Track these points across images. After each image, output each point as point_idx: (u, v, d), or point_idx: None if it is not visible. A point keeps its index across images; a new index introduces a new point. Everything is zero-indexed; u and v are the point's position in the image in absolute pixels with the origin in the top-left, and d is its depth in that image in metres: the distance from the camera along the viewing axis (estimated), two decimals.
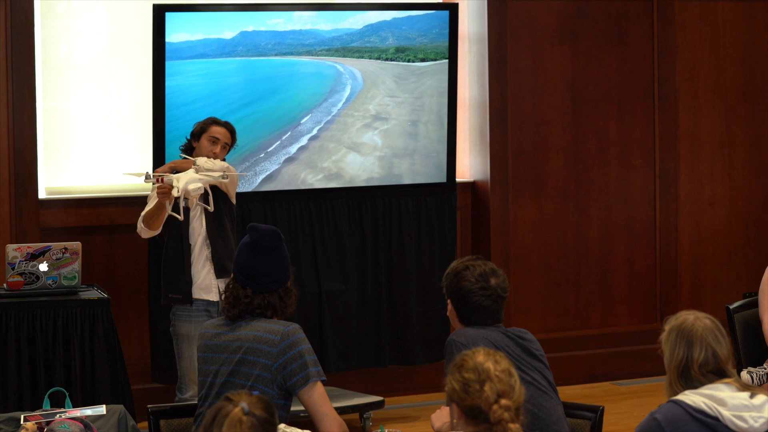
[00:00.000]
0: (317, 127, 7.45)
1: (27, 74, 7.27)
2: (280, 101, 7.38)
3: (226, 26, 7.15)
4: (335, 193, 7.47)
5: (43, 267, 6.60)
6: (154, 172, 6.50)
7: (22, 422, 4.98)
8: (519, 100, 8.35)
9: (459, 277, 4.47)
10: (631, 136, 8.63)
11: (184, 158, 6.53)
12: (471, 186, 8.37)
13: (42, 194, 7.41)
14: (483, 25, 8.24)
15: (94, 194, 7.54)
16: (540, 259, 8.44)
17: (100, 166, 7.61)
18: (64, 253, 6.63)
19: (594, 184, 8.56)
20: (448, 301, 4.52)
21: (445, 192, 7.73)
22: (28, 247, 6.61)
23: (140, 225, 6.45)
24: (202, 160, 6.40)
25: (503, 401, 3.36)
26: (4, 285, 6.63)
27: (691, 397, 3.65)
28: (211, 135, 6.56)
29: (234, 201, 6.62)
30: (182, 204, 6.27)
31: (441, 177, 7.71)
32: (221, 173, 6.33)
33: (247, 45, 7.23)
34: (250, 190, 7.24)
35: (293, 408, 4.52)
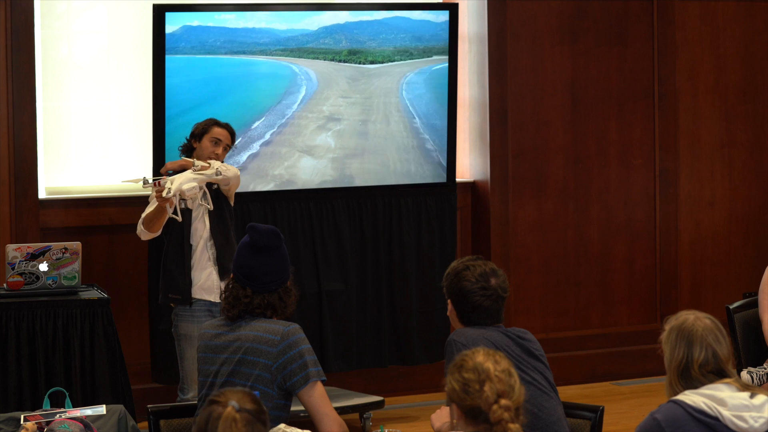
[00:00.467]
0: (270, 132, 7.37)
1: (27, 74, 7.27)
2: (230, 104, 7.28)
3: (168, 20, 7.01)
4: (335, 193, 7.47)
5: (43, 267, 6.60)
6: (162, 169, 6.52)
7: (22, 422, 4.98)
8: (519, 100, 8.35)
9: (459, 277, 4.47)
10: (631, 136, 8.63)
11: (185, 160, 6.53)
12: (471, 186, 8.37)
13: (42, 194, 7.41)
14: (483, 25, 8.24)
15: (94, 194, 7.54)
16: (540, 259, 8.44)
17: (100, 166, 7.61)
18: (64, 253, 6.63)
19: (594, 184, 8.56)
20: (448, 301, 4.52)
21: (445, 192, 7.73)
22: (28, 247, 6.61)
23: (140, 227, 6.45)
24: (201, 162, 6.41)
25: (503, 401, 3.36)
26: (4, 285, 6.63)
27: (691, 397, 3.65)
28: (213, 136, 6.58)
29: (232, 202, 6.62)
30: (180, 205, 6.27)
31: (440, 177, 7.70)
32: (215, 170, 6.34)
33: (191, 41, 7.11)
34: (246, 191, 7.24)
35: (293, 408, 4.53)
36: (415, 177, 7.65)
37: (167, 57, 7.00)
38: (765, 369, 5.95)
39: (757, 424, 3.63)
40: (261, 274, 4.46)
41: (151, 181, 6.29)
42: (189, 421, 4.61)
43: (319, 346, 7.28)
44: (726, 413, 3.62)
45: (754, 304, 6.18)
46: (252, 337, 4.41)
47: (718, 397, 3.64)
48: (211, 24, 7.20)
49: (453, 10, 7.66)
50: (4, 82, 7.23)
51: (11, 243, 7.01)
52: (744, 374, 5.91)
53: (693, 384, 3.69)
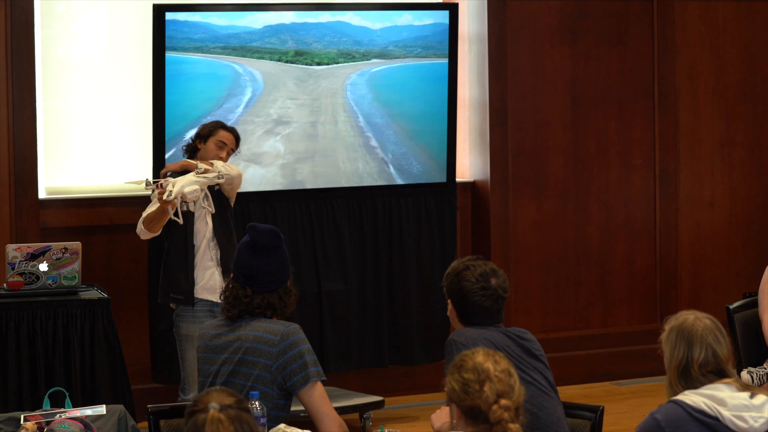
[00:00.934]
0: None
1: (27, 74, 7.27)
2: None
3: None
4: (335, 193, 7.47)
5: (43, 267, 6.60)
6: (162, 171, 6.51)
7: (22, 422, 4.97)
8: (519, 100, 8.35)
9: (459, 277, 4.47)
10: (631, 136, 8.63)
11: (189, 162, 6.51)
12: (471, 186, 8.37)
13: (42, 194, 7.41)
14: (483, 25, 8.24)
15: (94, 194, 7.54)
16: (540, 259, 8.44)
17: (100, 166, 7.61)
18: (64, 253, 6.63)
19: (594, 184, 8.56)
20: (449, 301, 4.52)
21: (445, 192, 7.73)
22: (28, 247, 6.61)
23: (140, 226, 6.44)
24: (205, 164, 6.40)
25: (503, 401, 3.36)
26: (4, 285, 6.63)
27: (691, 397, 3.65)
28: (219, 139, 6.59)
29: (233, 203, 6.62)
30: (182, 208, 6.26)
31: (439, 177, 7.70)
32: (217, 174, 6.34)
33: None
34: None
35: (293, 408, 4.53)
36: (363, 175, 7.54)
37: None
38: (765, 369, 5.95)
39: (757, 424, 3.63)
40: (261, 274, 4.47)
41: (152, 183, 6.29)
42: None
43: (319, 346, 7.28)
44: (726, 413, 3.62)
45: (754, 304, 6.18)
46: (252, 337, 4.42)
47: (718, 397, 3.64)
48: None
49: (453, 10, 7.66)
50: (4, 82, 7.23)
51: (11, 243, 7.01)
52: (744, 374, 5.91)
53: (693, 384, 3.69)
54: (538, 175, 8.42)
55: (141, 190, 7.34)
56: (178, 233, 6.44)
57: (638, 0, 8.60)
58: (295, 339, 4.38)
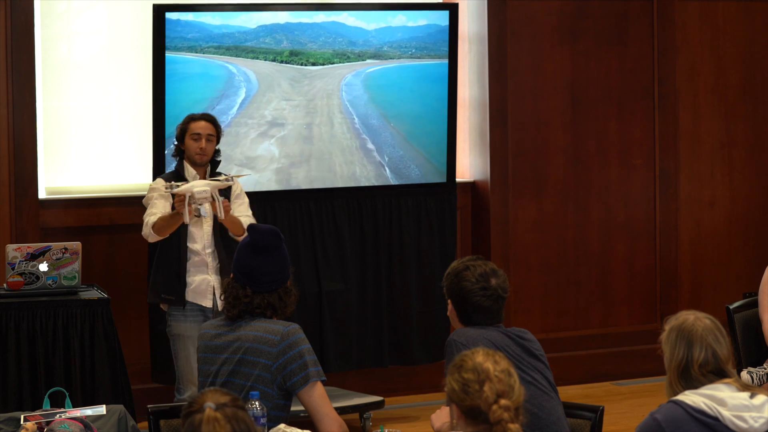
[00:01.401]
0: None
1: (27, 74, 7.27)
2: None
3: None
4: (335, 193, 7.47)
5: (43, 267, 6.60)
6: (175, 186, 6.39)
7: (22, 422, 4.97)
8: (519, 100, 8.35)
9: (459, 277, 4.47)
10: (631, 136, 8.63)
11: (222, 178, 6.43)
12: (471, 186, 8.37)
13: (42, 194, 7.41)
14: (483, 25, 8.24)
15: (94, 194, 7.54)
16: (540, 259, 8.44)
17: (100, 166, 7.61)
18: (64, 253, 6.63)
19: (594, 184, 8.56)
20: (449, 301, 4.52)
21: (445, 192, 7.73)
22: (28, 247, 6.61)
23: (148, 230, 6.37)
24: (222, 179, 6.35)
25: (503, 401, 3.36)
26: (4, 285, 6.63)
27: (691, 397, 3.65)
28: (192, 132, 6.49)
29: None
30: (195, 213, 6.21)
31: (439, 177, 7.70)
32: (227, 177, 6.32)
33: None
34: None
35: (293, 408, 4.53)
36: (360, 180, 7.49)
37: None
38: (765, 369, 5.95)
39: (757, 424, 3.63)
40: (261, 274, 4.46)
41: (173, 187, 6.24)
42: None
43: (319, 346, 7.28)
44: (726, 413, 3.62)
45: (754, 304, 6.18)
46: (252, 337, 4.42)
47: (718, 397, 3.64)
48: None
49: (453, 10, 7.66)
50: (4, 82, 7.23)
51: (11, 243, 7.01)
52: (744, 374, 5.91)
53: (693, 384, 3.69)
54: (538, 175, 8.42)
55: (141, 190, 7.36)
56: (172, 234, 6.43)
57: (638, 0, 8.60)
58: (295, 339, 4.38)
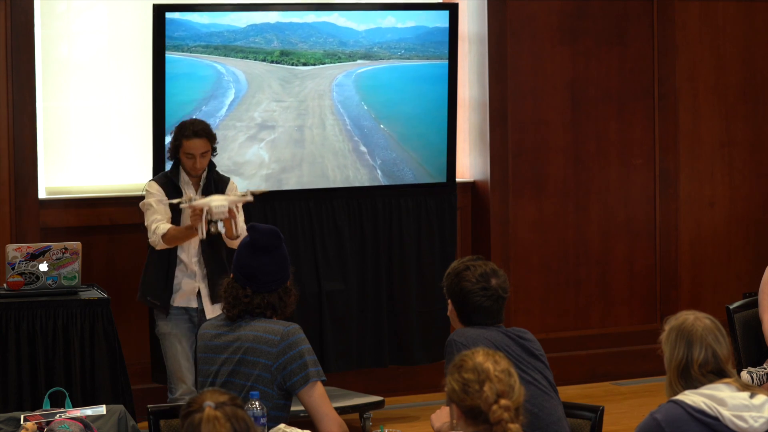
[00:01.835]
0: None
1: (27, 74, 7.27)
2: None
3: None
4: (335, 193, 7.47)
5: (43, 267, 6.60)
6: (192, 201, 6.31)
7: (22, 422, 4.97)
8: (519, 100, 8.35)
9: (459, 278, 4.47)
10: (631, 136, 8.63)
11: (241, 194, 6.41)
12: (471, 186, 8.36)
13: (42, 194, 7.41)
14: (483, 25, 8.24)
15: (94, 194, 7.54)
16: (540, 259, 8.44)
17: (100, 166, 7.61)
18: (64, 253, 6.63)
19: (594, 184, 8.56)
20: (449, 301, 4.52)
21: (445, 192, 7.73)
22: (28, 247, 6.61)
23: (157, 239, 6.35)
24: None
25: (503, 401, 3.36)
26: (4, 285, 6.63)
27: (691, 397, 3.65)
28: (185, 151, 6.38)
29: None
30: (210, 229, 6.19)
31: (440, 177, 7.70)
32: (244, 192, 6.29)
33: None
34: None
35: (293, 408, 4.53)
36: (353, 183, 7.43)
37: None
38: (765, 369, 5.95)
39: (757, 424, 3.63)
40: (261, 274, 4.46)
41: (189, 201, 6.21)
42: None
43: (319, 346, 7.28)
44: (726, 413, 3.62)
45: (754, 304, 6.18)
46: (252, 337, 4.42)
47: (718, 397, 3.64)
48: None
49: (453, 10, 7.66)
50: (4, 82, 7.23)
51: (11, 243, 7.01)
52: (744, 374, 5.91)
53: (693, 384, 3.69)
54: (538, 175, 8.42)
55: (141, 190, 7.36)
56: None
57: (638, 0, 8.59)
58: (295, 339, 4.38)
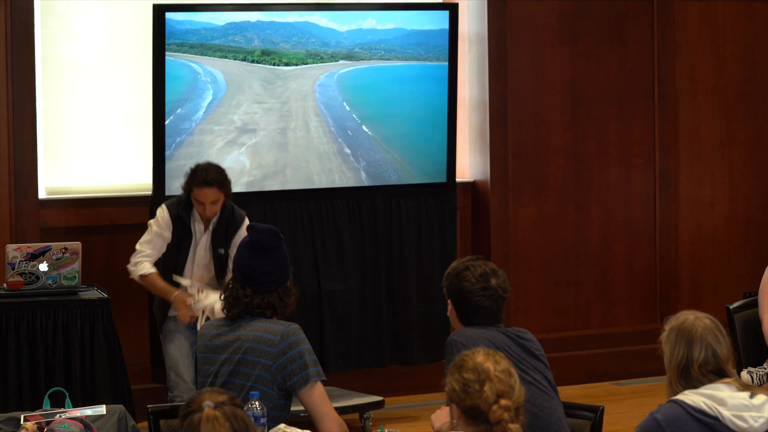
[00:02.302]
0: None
1: (27, 74, 7.27)
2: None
3: None
4: (335, 193, 7.46)
5: (43, 267, 6.60)
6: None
7: (22, 422, 4.97)
8: (519, 100, 8.35)
9: (459, 278, 4.47)
10: (631, 136, 8.63)
11: None
12: (471, 186, 8.36)
13: (42, 194, 7.41)
14: (483, 25, 8.24)
15: (94, 194, 7.54)
16: (540, 259, 8.44)
17: (100, 166, 7.61)
18: (64, 253, 6.63)
19: (594, 184, 8.56)
20: (449, 301, 4.52)
21: (445, 192, 7.73)
22: (28, 247, 6.61)
23: (135, 272, 6.49)
24: None
25: (503, 401, 3.36)
26: (4, 285, 6.63)
27: (691, 397, 3.65)
28: (194, 198, 6.35)
29: None
30: (203, 318, 6.24)
31: (440, 177, 7.70)
32: None
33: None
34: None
35: (293, 408, 4.53)
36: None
37: None
38: (765, 369, 5.95)
39: (757, 424, 3.63)
40: (261, 274, 4.46)
41: (194, 287, 6.28)
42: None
43: (319, 346, 7.28)
44: (726, 413, 3.62)
45: (754, 304, 6.18)
46: (252, 337, 4.41)
47: (718, 397, 3.64)
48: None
49: (453, 10, 7.66)
50: (4, 82, 7.23)
51: (11, 243, 7.01)
52: (744, 374, 5.91)
53: (693, 384, 3.69)
54: (538, 175, 8.42)
55: (141, 190, 7.38)
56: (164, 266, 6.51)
57: (638, 0, 8.59)
58: (295, 339, 4.38)
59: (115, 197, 7.53)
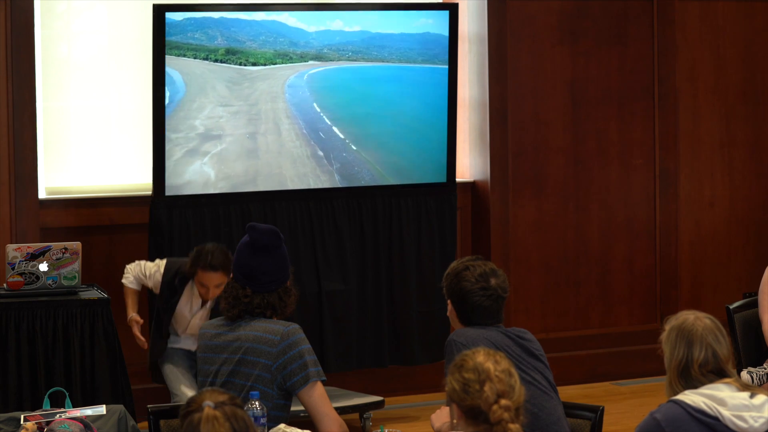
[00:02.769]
0: None
1: (27, 74, 7.27)
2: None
3: None
4: (335, 193, 7.46)
5: (43, 267, 6.59)
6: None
7: (22, 422, 4.97)
8: (519, 100, 8.35)
9: (459, 278, 4.47)
10: (631, 136, 8.62)
11: None
12: (471, 186, 8.36)
13: (42, 194, 7.40)
14: (483, 25, 8.24)
15: (94, 194, 7.54)
16: (540, 259, 8.44)
17: (100, 166, 7.61)
18: (64, 253, 6.63)
19: (594, 184, 8.56)
20: (448, 301, 4.52)
21: (445, 192, 7.72)
22: (28, 247, 6.61)
23: (126, 283, 6.56)
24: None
25: (503, 401, 3.36)
26: (4, 285, 6.63)
27: (691, 397, 3.65)
28: (198, 281, 6.28)
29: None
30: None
31: (439, 177, 7.69)
32: None
33: None
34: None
35: (293, 408, 4.53)
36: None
37: None
38: (765, 369, 5.95)
39: (757, 424, 3.63)
40: (261, 274, 4.46)
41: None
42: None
43: (319, 346, 7.27)
44: (726, 413, 3.62)
45: (754, 304, 6.18)
46: (252, 337, 4.41)
47: (718, 397, 3.64)
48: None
49: (453, 10, 7.65)
50: (4, 82, 7.23)
51: (11, 243, 7.01)
52: (744, 374, 5.91)
53: (693, 384, 3.69)
54: (538, 175, 8.42)
55: (141, 190, 7.38)
56: (159, 313, 6.55)
57: (638, 0, 8.59)
58: (295, 339, 4.38)
59: (115, 197, 7.53)
